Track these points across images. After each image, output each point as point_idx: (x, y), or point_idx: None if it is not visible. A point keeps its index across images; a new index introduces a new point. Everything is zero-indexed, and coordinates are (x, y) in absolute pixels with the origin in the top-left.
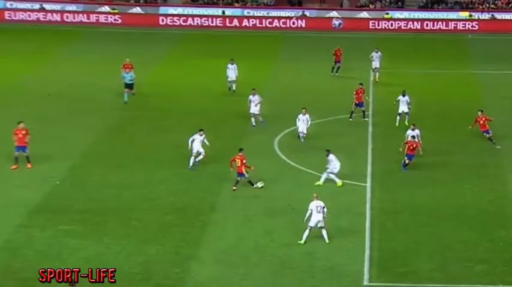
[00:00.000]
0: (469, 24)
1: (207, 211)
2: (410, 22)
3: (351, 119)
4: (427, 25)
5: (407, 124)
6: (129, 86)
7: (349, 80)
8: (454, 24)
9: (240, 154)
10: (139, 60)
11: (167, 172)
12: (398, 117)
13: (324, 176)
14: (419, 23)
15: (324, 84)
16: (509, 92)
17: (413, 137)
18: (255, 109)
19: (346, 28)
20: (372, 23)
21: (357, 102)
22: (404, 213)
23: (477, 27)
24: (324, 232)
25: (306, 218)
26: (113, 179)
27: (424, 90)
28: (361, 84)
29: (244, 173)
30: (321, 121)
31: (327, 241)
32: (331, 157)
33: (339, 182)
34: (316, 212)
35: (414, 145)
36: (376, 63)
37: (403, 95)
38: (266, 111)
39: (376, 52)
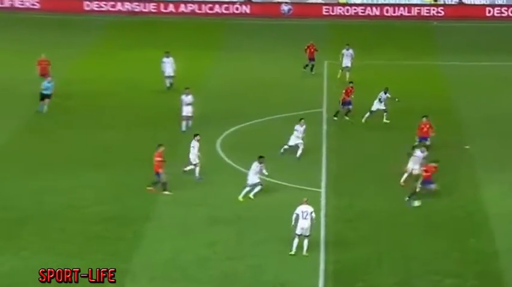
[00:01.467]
0: (433, 9)
1: (140, 221)
2: (369, 8)
3: (335, 118)
4: (387, 11)
5: (387, 122)
6: (47, 96)
7: (299, 72)
8: (418, 9)
9: (159, 150)
10: (62, 51)
11: (96, 177)
12: (368, 114)
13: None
14: (379, 8)
15: (272, 77)
16: (479, 85)
17: (424, 159)
18: (187, 111)
19: (297, 14)
20: (326, 8)
21: (343, 101)
22: (363, 221)
23: (443, 13)
24: (305, 241)
25: (292, 224)
26: (32, 185)
27: (388, 84)
28: (351, 83)
29: (160, 172)
30: (269, 119)
31: (304, 253)
32: (253, 166)
33: (241, 196)
34: (302, 218)
35: (433, 169)
36: (346, 62)
37: (385, 93)
38: (207, 108)
39: (347, 49)
